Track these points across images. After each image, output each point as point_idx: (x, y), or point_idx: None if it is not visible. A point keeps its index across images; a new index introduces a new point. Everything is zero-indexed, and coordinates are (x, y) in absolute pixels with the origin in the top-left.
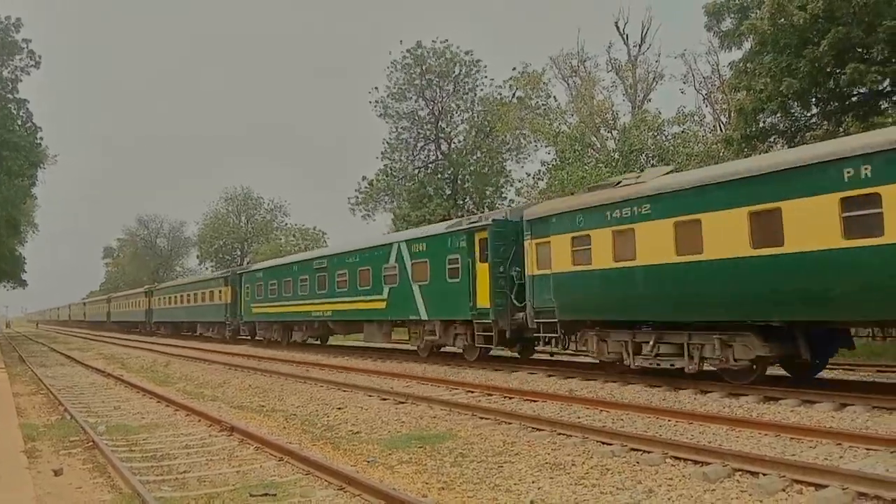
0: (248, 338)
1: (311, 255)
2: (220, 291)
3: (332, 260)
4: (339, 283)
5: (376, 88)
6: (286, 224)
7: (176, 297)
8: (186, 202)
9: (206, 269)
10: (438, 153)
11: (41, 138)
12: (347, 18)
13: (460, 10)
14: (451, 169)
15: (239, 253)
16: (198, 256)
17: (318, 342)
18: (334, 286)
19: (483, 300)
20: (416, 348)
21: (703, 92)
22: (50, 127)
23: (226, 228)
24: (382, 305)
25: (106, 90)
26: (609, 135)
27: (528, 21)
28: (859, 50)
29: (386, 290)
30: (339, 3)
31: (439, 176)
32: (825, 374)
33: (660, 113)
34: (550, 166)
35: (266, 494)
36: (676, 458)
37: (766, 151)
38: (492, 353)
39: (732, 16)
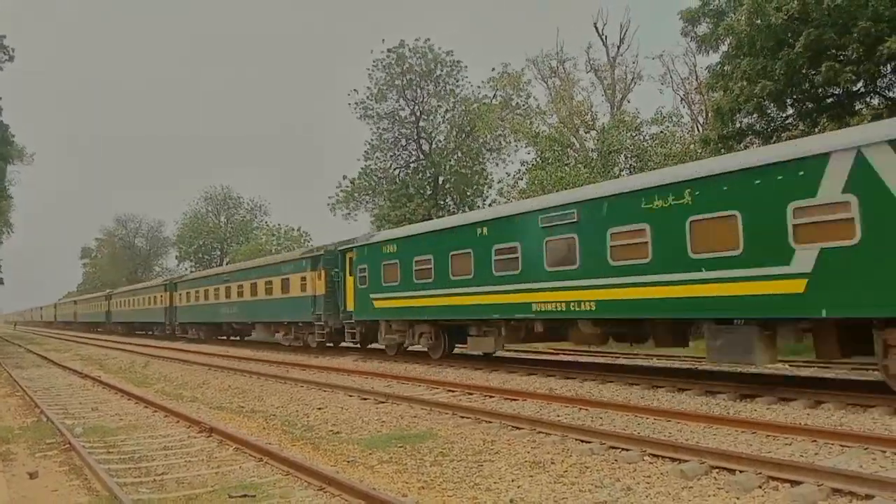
0: (354, 345)
1: (522, 206)
2: (303, 279)
3: (594, 208)
4: (619, 249)
5: (356, 90)
6: (266, 223)
7: (218, 290)
8: (183, 203)
9: (186, 269)
10: (420, 153)
11: (13, 136)
12: (347, 18)
13: (460, 10)
14: (433, 169)
15: (218, 253)
16: (177, 257)
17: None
18: (603, 257)
19: None
20: None
21: (681, 93)
22: (44, 128)
23: (205, 228)
24: (797, 287)
25: (106, 91)
26: (588, 135)
27: (529, 21)
28: (833, 51)
29: (806, 255)
30: (339, 2)
31: (420, 176)
32: (800, 371)
33: (638, 113)
34: (530, 166)
35: (245, 496)
36: (654, 455)
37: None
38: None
39: (708, 21)
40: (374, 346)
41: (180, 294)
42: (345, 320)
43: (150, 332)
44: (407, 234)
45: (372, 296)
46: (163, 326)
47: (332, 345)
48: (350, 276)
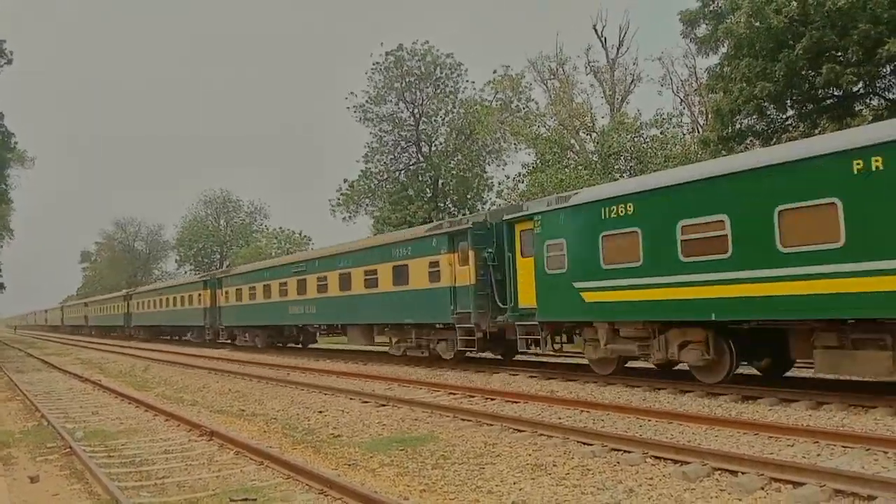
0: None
1: None
2: (433, 263)
3: None
4: None
5: (354, 94)
6: (265, 227)
7: (286, 284)
8: (183, 204)
9: (185, 272)
10: (419, 155)
11: (16, 143)
12: (347, 18)
13: (460, 9)
14: (432, 171)
15: (218, 256)
16: (177, 260)
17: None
18: None
19: None
20: None
21: (681, 94)
22: (43, 128)
23: (204, 231)
24: None
25: (106, 91)
26: (588, 137)
27: (529, 21)
28: (833, 53)
29: None
30: (339, 2)
31: (420, 178)
32: (802, 372)
33: (640, 114)
34: (530, 169)
35: (246, 499)
36: (656, 457)
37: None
38: None
39: (707, 22)
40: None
41: (226, 291)
42: (515, 321)
43: (180, 338)
44: (660, 184)
45: (578, 285)
46: (201, 331)
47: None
48: (525, 256)
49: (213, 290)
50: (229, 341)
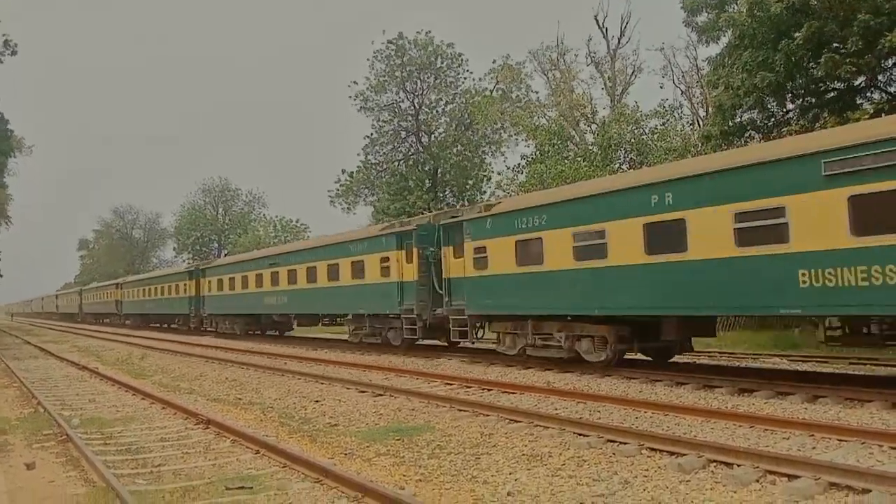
0: None
1: None
2: None
3: None
4: None
5: (355, 82)
6: (264, 215)
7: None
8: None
9: (183, 261)
10: (419, 145)
11: (12, 130)
12: (348, 13)
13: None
14: (432, 161)
15: (216, 245)
16: (174, 248)
17: None
18: None
19: None
20: None
21: (682, 86)
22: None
23: (202, 220)
24: None
25: (106, 88)
26: (588, 129)
27: (530, 7)
28: (835, 44)
29: None
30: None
31: (419, 168)
32: (798, 366)
33: (638, 106)
34: (529, 160)
35: (242, 487)
36: (652, 449)
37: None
38: None
39: (709, 11)
40: None
41: (476, 248)
42: None
43: (282, 334)
44: None
45: None
46: (380, 322)
47: None
48: None
49: (423, 250)
50: (466, 342)
